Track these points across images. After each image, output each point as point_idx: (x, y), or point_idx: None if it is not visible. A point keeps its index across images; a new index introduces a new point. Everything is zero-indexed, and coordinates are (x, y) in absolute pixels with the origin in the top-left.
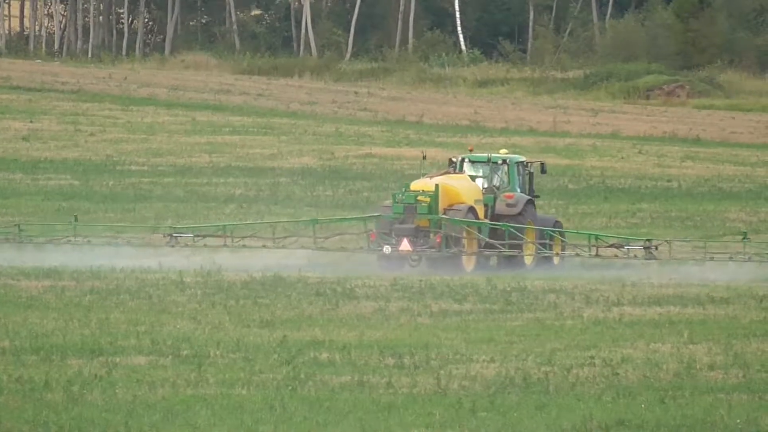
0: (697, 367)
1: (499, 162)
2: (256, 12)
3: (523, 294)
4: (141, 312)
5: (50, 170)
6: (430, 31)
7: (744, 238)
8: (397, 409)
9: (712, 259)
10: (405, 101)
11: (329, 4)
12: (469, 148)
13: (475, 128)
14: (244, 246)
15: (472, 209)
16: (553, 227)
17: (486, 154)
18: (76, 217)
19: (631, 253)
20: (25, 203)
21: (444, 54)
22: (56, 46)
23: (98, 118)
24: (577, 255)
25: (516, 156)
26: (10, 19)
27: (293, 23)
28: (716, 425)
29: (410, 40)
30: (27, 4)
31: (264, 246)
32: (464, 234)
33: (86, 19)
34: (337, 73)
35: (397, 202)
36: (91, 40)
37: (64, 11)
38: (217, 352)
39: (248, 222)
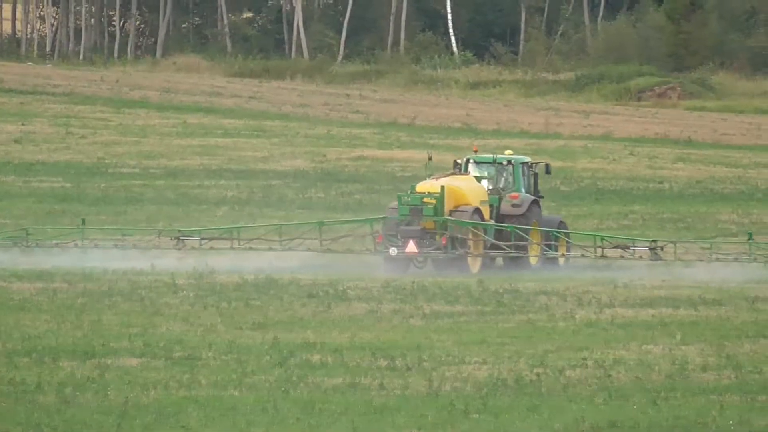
0: (690, 368)
1: (504, 163)
2: (247, 14)
3: (515, 296)
4: (133, 314)
5: (42, 173)
6: (422, 33)
7: (749, 239)
8: (390, 411)
9: (718, 259)
10: (397, 103)
11: (321, 7)
12: (474, 149)
13: (468, 130)
14: (251, 248)
15: (477, 210)
16: (558, 227)
17: (491, 155)
18: (83, 220)
19: (637, 254)
20: (17, 205)
21: (436, 56)
22: (48, 48)
23: (90, 121)
24: (583, 256)
25: (521, 157)
26: (1, 22)
27: (285, 25)
28: (708, 426)
29: (402, 42)
30: (19, 7)
31: (270, 248)
32: (470, 235)
33: (78, 21)
34: (329, 76)
35: (403, 204)
36: (82, 42)
37: (56, 14)
38: (210, 354)
39: (255, 224)
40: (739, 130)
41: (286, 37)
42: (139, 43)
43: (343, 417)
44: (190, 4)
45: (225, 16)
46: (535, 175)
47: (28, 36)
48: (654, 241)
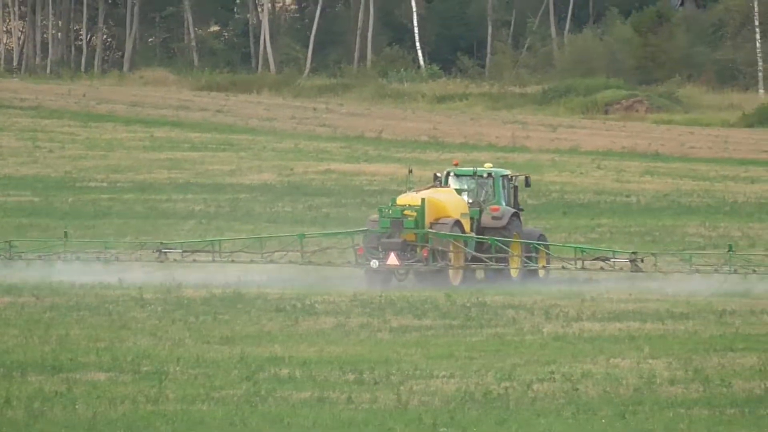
0: (658, 382)
1: (485, 176)
2: (214, 28)
3: (483, 309)
4: (101, 328)
5: (9, 187)
6: (389, 46)
7: (729, 251)
8: (358, 425)
9: (698, 271)
10: (364, 117)
11: (288, 20)
12: (454, 162)
13: (434, 144)
14: (232, 261)
15: (458, 223)
16: (538, 240)
17: (472, 168)
18: (66, 233)
19: (617, 266)
20: None
21: (403, 70)
22: (15, 62)
23: (57, 135)
24: (564, 268)
25: (501, 169)
26: None
27: (252, 39)
28: None
29: (369, 56)
30: None
31: (252, 261)
32: (451, 248)
33: (45, 35)
34: (296, 89)
35: (384, 217)
36: (50, 56)
37: (23, 27)
38: (178, 368)
39: (237, 237)
40: (706, 143)
41: (252, 51)
42: (106, 57)
43: (312, 431)
44: (157, 18)
45: (192, 30)
46: (515, 187)
47: None
48: (634, 252)
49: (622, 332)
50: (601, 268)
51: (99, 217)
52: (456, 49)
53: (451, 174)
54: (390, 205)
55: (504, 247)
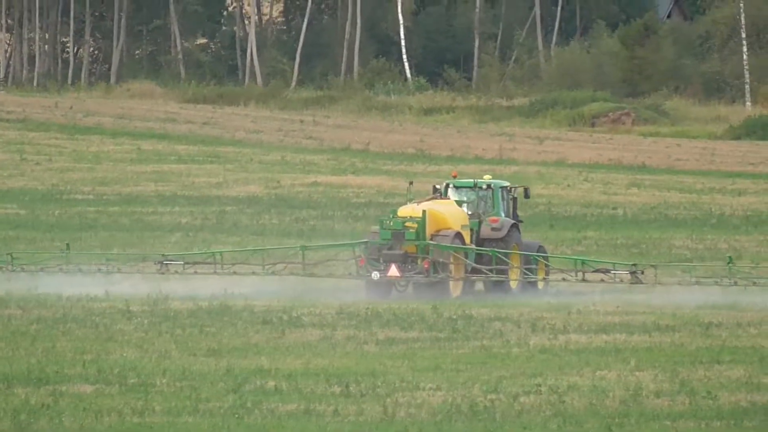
0: (644, 394)
1: (484, 187)
2: (201, 41)
3: (469, 322)
4: (87, 340)
5: None
6: (376, 59)
7: (729, 263)
8: None
9: (698, 283)
10: (351, 129)
11: (275, 33)
12: (453, 173)
13: (421, 156)
14: (234, 273)
15: (458, 234)
16: (537, 252)
17: (471, 180)
18: (68, 245)
19: (618, 277)
20: None
21: (389, 82)
22: (1, 75)
23: (44, 147)
24: (564, 280)
25: (500, 181)
26: None
27: (238, 52)
28: None
29: (356, 69)
30: None
31: (254, 273)
32: (451, 259)
33: (31, 48)
34: (283, 102)
35: (385, 228)
36: (36, 68)
37: (9, 40)
38: (164, 381)
39: (239, 249)
40: (693, 155)
41: (239, 63)
42: (93, 70)
43: None
44: (144, 30)
45: (179, 43)
46: (514, 199)
47: None
48: (634, 264)
49: (609, 344)
50: (602, 280)
51: (85, 230)
52: (443, 62)
53: (451, 186)
54: (391, 216)
55: (504, 258)
